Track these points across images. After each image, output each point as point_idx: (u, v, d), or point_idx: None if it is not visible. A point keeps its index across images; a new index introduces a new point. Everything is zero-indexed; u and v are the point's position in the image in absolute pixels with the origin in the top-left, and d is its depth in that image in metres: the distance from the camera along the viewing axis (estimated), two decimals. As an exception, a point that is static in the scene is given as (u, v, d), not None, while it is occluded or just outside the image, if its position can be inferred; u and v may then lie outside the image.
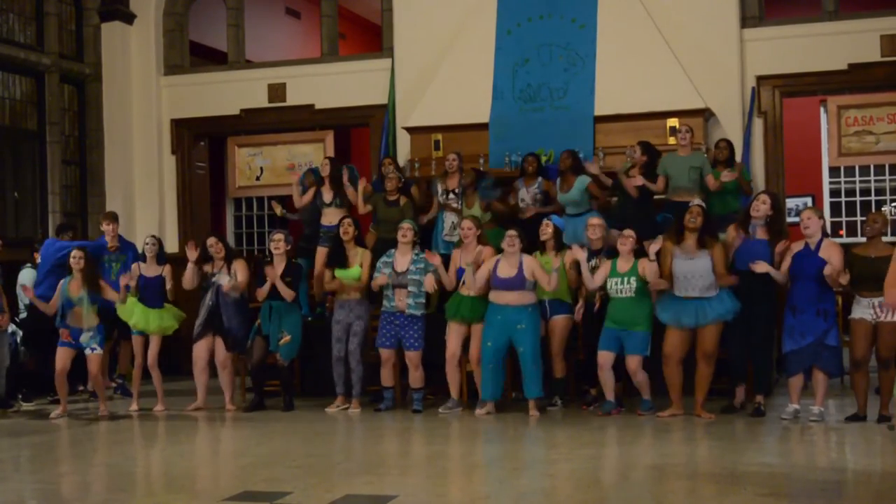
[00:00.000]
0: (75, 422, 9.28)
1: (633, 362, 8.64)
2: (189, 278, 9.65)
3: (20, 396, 10.11)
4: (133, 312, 9.63)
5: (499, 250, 9.10)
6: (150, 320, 9.64)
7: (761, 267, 8.26)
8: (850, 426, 8.02)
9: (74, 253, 9.38)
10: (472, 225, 9.23)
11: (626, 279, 8.62)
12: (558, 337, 9.09)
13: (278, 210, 11.11)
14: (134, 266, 9.86)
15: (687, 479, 6.35)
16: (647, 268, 8.56)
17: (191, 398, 10.15)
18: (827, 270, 8.02)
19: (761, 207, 8.50)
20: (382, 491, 6.03)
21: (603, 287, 8.78)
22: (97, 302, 9.33)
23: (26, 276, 10.53)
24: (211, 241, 9.74)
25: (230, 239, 14.76)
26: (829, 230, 8.54)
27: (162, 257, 9.90)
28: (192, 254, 9.63)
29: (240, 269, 9.57)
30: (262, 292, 9.51)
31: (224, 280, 9.51)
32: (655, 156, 10.03)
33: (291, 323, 9.52)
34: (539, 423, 8.53)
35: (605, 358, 8.66)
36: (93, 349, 9.30)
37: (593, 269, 8.88)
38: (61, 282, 9.43)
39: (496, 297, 8.84)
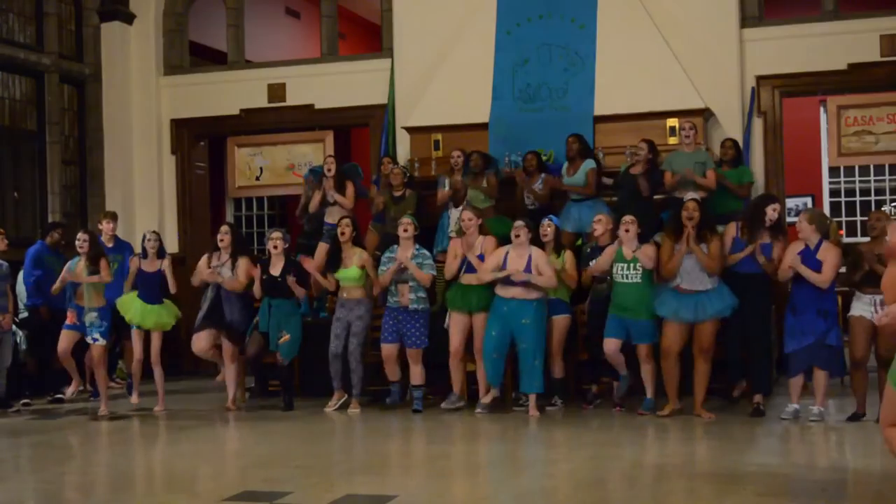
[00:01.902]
0: (76, 422, 9.28)
1: (643, 350, 8.66)
2: (198, 277, 9.67)
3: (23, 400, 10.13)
4: (131, 307, 9.62)
5: (500, 239, 9.11)
6: (147, 316, 9.62)
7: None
8: (850, 426, 8.02)
9: (79, 235, 9.44)
10: (472, 216, 9.24)
11: (631, 265, 8.63)
12: (557, 337, 9.08)
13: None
14: (133, 260, 9.84)
15: (687, 479, 6.35)
16: (647, 253, 8.58)
17: (191, 398, 10.20)
18: (809, 273, 8.04)
19: (774, 217, 8.52)
20: (382, 491, 6.03)
21: (608, 276, 8.78)
22: (101, 284, 9.34)
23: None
24: (223, 228, 9.74)
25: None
26: (827, 231, 8.48)
27: (162, 252, 9.88)
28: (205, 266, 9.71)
29: (242, 268, 9.56)
30: (257, 290, 9.51)
31: (226, 274, 9.53)
32: (657, 154, 10.11)
33: (291, 323, 9.52)
34: (539, 423, 8.53)
35: (611, 344, 8.65)
36: (95, 339, 9.31)
37: None
38: (69, 262, 9.47)
39: (503, 290, 8.83)
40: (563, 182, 10.36)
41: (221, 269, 9.57)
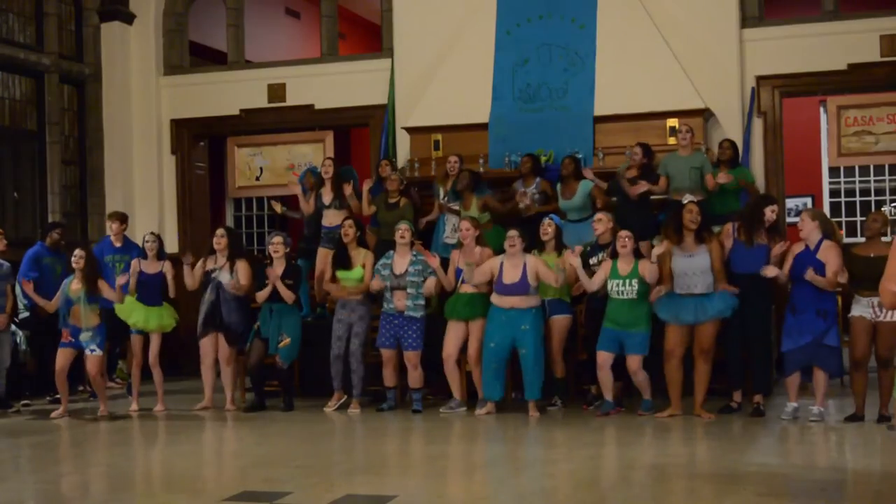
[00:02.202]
0: (75, 422, 9.28)
1: (634, 362, 8.64)
2: (190, 278, 9.67)
3: (24, 400, 10.16)
4: (132, 311, 9.62)
5: (498, 251, 9.10)
6: (150, 319, 9.63)
7: (771, 271, 8.25)
8: (850, 426, 8.02)
9: (76, 252, 9.41)
10: (471, 226, 9.22)
11: (627, 281, 8.59)
12: (558, 337, 9.08)
13: (278, 208, 11.10)
14: (133, 262, 9.84)
15: (687, 479, 6.35)
16: (648, 269, 8.56)
17: (191, 398, 10.17)
18: (819, 280, 8.03)
19: (771, 217, 8.53)
20: (382, 491, 6.03)
21: (602, 288, 8.78)
22: (96, 301, 9.32)
23: None
24: (219, 231, 9.73)
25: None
26: (830, 231, 8.47)
27: (162, 254, 9.89)
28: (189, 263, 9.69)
29: (242, 271, 9.56)
30: (263, 295, 9.52)
31: (225, 278, 9.52)
32: (653, 158, 10.08)
33: (291, 325, 9.52)
34: (539, 424, 8.53)
35: (604, 358, 8.65)
36: (92, 350, 9.29)
37: (597, 265, 8.90)
38: (64, 281, 9.46)
39: (500, 301, 8.81)
40: (558, 204, 10.27)
41: (220, 273, 9.56)
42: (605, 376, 8.71)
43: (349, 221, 9.55)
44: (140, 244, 10.20)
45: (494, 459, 7.43)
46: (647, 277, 8.54)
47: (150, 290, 9.66)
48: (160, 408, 9.66)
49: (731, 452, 7.07)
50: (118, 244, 10.57)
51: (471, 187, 10.33)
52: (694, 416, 8.47)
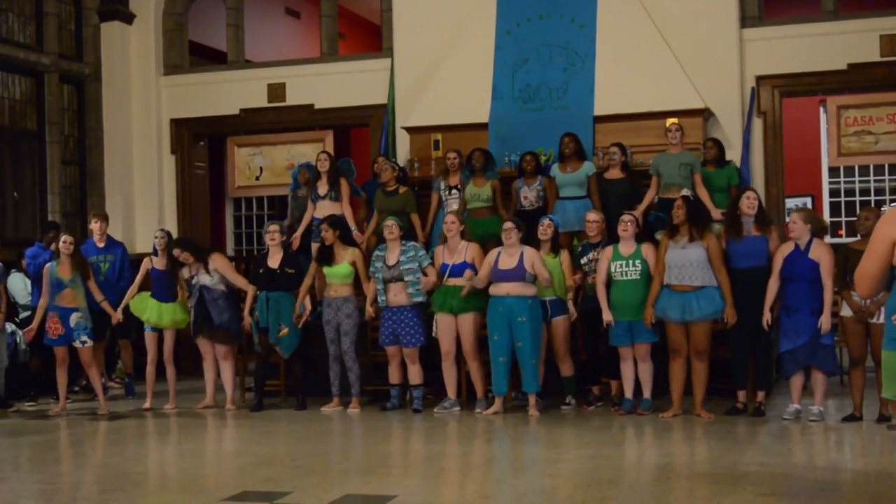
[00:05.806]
0: (75, 422, 9.29)
1: (643, 350, 8.68)
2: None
3: (28, 399, 10.17)
4: (146, 308, 9.61)
5: (498, 239, 9.12)
6: (164, 315, 9.61)
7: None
8: (850, 426, 8.02)
9: (65, 238, 9.44)
10: (456, 219, 9.23)
11: (630, 262, 8.64)
12: (561, 338, 9.06)
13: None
14: (145, 261, 9.82)
15: (687, 479, 6.35)
16: (651, 252, 8.63)
17: (193, 397, 10.18)
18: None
19: (754, 203, 8.55)
20: (382, 491, 6.03)
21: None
22: (84, 285, 9.38)
23: (16, 281, 10.50)
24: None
25: (230, 239, 14.80)
26: (827, 231, 8.52)
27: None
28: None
29: (220, 265, 9.53)
30: (250, 299, 9.53)
31: (206, 280, 9.48)
32: (627, 154, 10.39)
33: (289, 315, 9.47)
34: (539, 423, 8.53)
35: (626, 352, 8.71)
36: (83, 342, 9.30)
37: (590, 263, 8.93)
38: (47, 266, 9.45)
39: (496, 289, 8.82)
40: (555, 181, 10.33)
41: (199, 278, 9.51)
42: (628, 370, 8.76)
43: (325, 224, 9.47)
44: (138, 244, 10.19)
45: (494, 459, 7.43)
46: (649, 259, 8.58)
47: (161, 287, 9.64)
48: (171, 406, 9.64)
49: (731, 452, 7.07)
50: (101, 244, 10.52)
51: (484, 167, 10.38)
52: (694, 415, 8.47)
